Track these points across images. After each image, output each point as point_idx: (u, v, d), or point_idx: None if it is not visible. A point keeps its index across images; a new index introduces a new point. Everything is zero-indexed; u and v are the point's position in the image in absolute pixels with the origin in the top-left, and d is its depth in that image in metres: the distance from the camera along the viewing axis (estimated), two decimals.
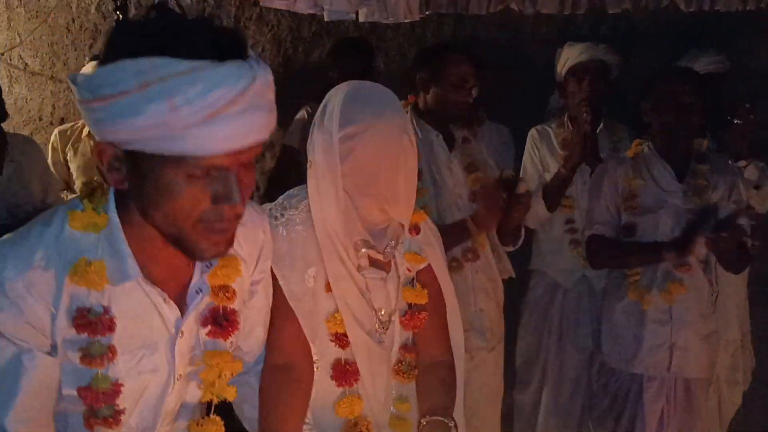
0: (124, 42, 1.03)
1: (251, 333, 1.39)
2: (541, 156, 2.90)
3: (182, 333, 1.21)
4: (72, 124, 3.45)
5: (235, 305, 1.27)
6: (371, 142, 1.37)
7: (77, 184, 3.31)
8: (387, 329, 1.52)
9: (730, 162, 2.48)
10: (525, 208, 2.24)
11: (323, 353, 1.49)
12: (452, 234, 2.29)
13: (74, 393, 1.15)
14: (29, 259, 1.10)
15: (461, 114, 2.47)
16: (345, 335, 1.47)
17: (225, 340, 1.26)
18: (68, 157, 3.36)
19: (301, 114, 3.24)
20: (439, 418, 1.50)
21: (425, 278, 1.58)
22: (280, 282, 1.42)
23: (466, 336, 2.40)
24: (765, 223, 2.89)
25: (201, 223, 1.08)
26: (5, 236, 1.16)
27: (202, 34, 1.02)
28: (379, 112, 1.38)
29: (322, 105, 1.44)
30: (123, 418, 1.16)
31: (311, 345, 1.46)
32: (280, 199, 1.55)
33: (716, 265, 2.38)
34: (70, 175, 3.37)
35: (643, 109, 2.42)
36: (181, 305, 1.21)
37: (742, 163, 2.72)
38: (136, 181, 1.08)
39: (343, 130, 1.36)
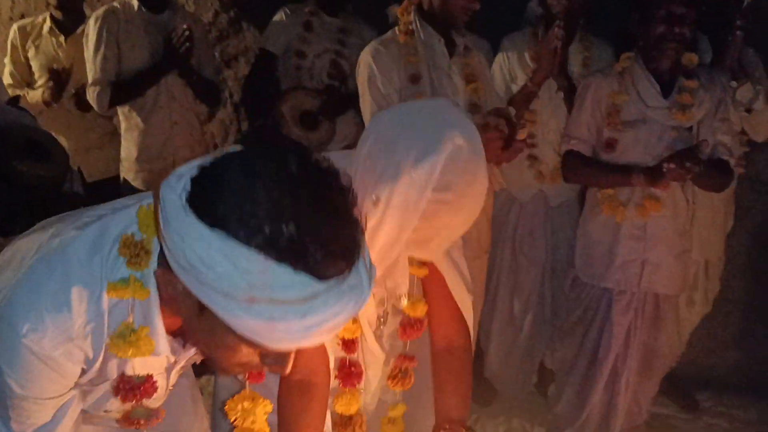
0: (248, 230, 0.83)
1: None
2: (509, 66, 2.84)
3: (177, 361, 1.20)
4: (32, 19, 3.28)
5: None
6: (460, 210, 1.28)
7: (38, 83, 3.17)
8: (386, 323, 1.52)
9: (722, 79, 2.43)
10: (518, 152, 2.23)
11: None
12: None
13: None
14: (69, 331, 1.02)
15: (464, 20, 2.39)
16: (352, 341, 1.47)
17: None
18: (29, 55, 3.21)
19: (279, 16, 3.10)
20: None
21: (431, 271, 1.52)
22: None
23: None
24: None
25: (239, 366, 1.02)
26: (37, 282, 1.03)
27: (328, 252, 0.85)
28: (474, 180, 1.27)
29: (411, 141, 1.24)
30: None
31: None
32: None
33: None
34: (31, 74, 3.22)
35: (633, 20, 2.35)
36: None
37: (735, 84, 2.66)
38: (190, 315, 0.95)
39: (439, 195, 1.24)
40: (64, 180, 1.88)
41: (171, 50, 2.82)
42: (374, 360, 1.57)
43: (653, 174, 2.20)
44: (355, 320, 1.48)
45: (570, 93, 2.62)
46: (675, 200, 2.36)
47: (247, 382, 1.35)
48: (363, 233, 0.90)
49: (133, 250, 1.02)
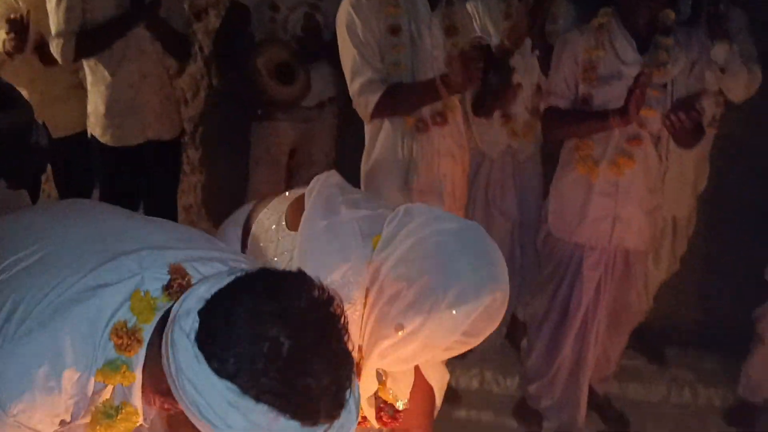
0: (260, 389, 0.87)
1: None
2: (482, 24, 2.80)
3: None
4: None
5: None
6: (467, 346, 1.30)
7: None
8: None
9: (700, 37, 2.43)
10: (514, 98, 2.24)
11: None
12: (420, 92, 2.32)
13: None
14: (57, 409, 1.03)
15: None
16: None
17: None
18: None
19: None
20: None
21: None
22: None
23: (424, 198, 2.46)
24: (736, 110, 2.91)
25: None
26: (29, 364, 1.01)
27: (332, 406, 0.90)
28: (494, 326, 1.29)
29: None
30: None
31: None
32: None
33: (669, 140, 2.39)
34: None
35: None
36: None
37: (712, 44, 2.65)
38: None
39: (463, 338, 1.26)
40: (30, 131, 1.82)
41: (138, 1, 2.72)
42: None
43: (629, 109, 2.20)
44: None
45: (546, 52, 2.60)
46: (647, 157, 2.38)
47: None
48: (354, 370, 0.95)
49: (126, 340, 1.02)
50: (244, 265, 1.13)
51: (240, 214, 1.71)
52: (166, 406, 1.03)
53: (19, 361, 1.00)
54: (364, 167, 2.59)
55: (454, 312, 1.22)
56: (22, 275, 1.13)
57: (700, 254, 3.30)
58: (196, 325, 0.89)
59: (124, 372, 1.02)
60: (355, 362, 0.95)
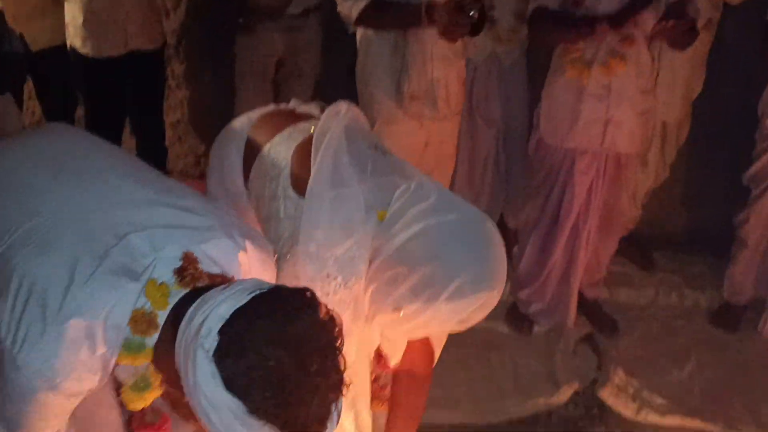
0: (270, 416, 0.97)
1: None
2: None
3: None
4: None
5: None
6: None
7: None
8: None
9: None
10: None
11: None
12: (404, 16, 2.30)
13: None
14: (83, 391, 1.15)
15: None
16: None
17: None
18: None
19: None
20: None
21: None
22: None
23: (416, 103, 2.43)
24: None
25: None
26: (63, 350, 1.09)
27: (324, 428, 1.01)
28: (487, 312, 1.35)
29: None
30: None
31: None
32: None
33: (661, 41, 2.34)
34: None
35: None
36: None
37: None
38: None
39: (458, 324, 1.34)
40: (2, 39, 1.76)
41: None
42: None
43: (619, 21, 2.17)
44: None
45: None
46: (639, 58, 2.33)
47: None
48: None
49: (144, 326, 1.11)
50: (248, 242, 1.25)
51: (237, 136, 1.68)
52: (167, 387, 1.15)
53: (63, 346, 1.09)
54: (357, 74, 2.55)
55: (451, 305, 1.27)
56: (28, 254, 1.16)
57: (690, 160, 3.30)
58: (215, 343, 0.98)
59: (146, 352, 1.12)
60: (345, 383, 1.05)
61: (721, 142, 3.25)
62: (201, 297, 1.06)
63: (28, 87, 3.19)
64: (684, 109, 2.95)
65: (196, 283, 1.13)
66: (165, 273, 1.13)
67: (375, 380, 1.62)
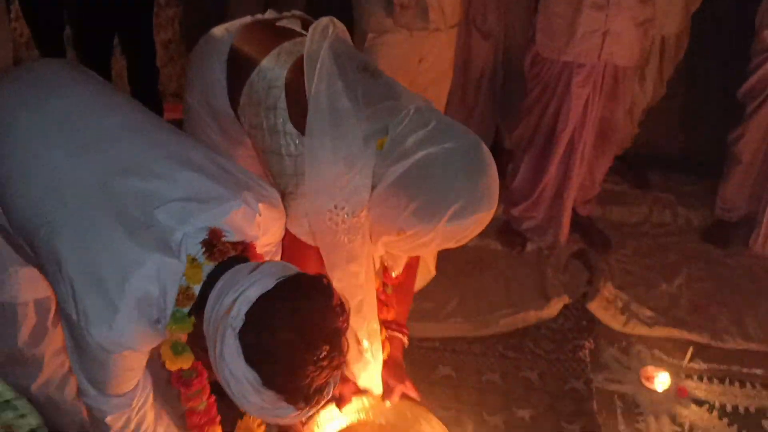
0: (291, 394, 1.16)
1: None
2: None
3: None
4: None
5: None
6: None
7: None
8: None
9: None
10: None
11: None
12: None
13: None
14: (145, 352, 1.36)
15: None
16: None
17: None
18: None
19: None
20: (397, 336, 1.84)
21: None
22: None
23: (406, 13, 2.40)
24: None
25: None
26: (129, 325, 1.26)
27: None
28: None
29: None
30: None
31: None
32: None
33: None
34: None
35: None
36: None
37: None
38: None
39: (455, 243, 1.49)
40: None
41: None
42: None
43: None
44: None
45: None
46: None
47: None
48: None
49: (185, 300, 1.25)
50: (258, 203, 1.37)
51: (219, 49, 1.67)
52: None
53: (127, 319, 1.25)
54: None
55: (450, 227, 1.41)
56: (69, 237, 1.28)
57: (688, 81, 3.26)
58: (241, 323, 1.14)
59: (191, 322, 1.26)
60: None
61: (718, 62, 3.19)
62: (229, 272, 1.22)
63: (15, 7, 3.12)
64: (683, 22, 2.89)
65: (223, 257, 1.26)
66: (194, 247, 1.26)
67: (382, 289, 1.77)
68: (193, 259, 1.25)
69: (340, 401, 1.77)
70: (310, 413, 1.23)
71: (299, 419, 1.34)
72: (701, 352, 2.44)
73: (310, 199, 1.50)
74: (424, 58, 2.52)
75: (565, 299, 2.61)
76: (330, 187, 1.47)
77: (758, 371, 2.37)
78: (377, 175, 1.45)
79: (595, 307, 2.58)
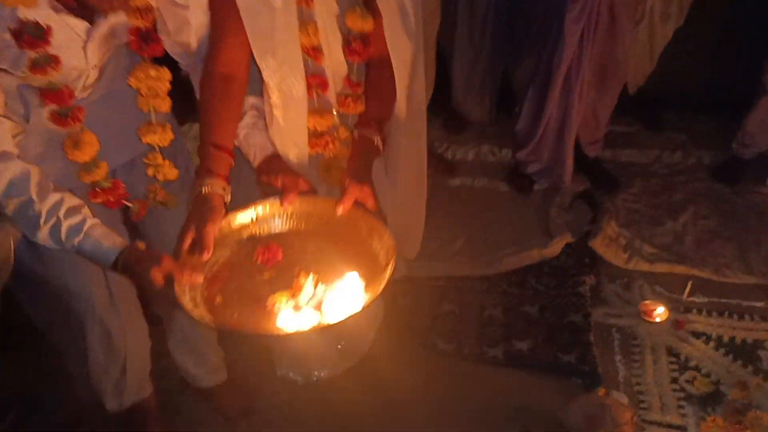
0: None
1: (183, 29, 1.50)
2: None
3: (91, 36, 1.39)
4: None
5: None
6: None
7: None
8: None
9: None
10: None
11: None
12: None
13: None
14: None
15: None
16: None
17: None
18: None
19: None
20: (366, 135, 1.57)
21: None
22: None
23: None
24: None
25: None
26: None
27: None
28: None
29: None
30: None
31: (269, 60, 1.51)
32: None
33: None
34: None
35: None
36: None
37: None
38: None
39: None
40: None
41: None
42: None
43: None
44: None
45: None
46: None
47: None
48: None
49: None
50: None
51: None
52: None
53: None
54: None
55: None
56: None
57: (710, 13, 3.18)
58: None
59: None
60: None
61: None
62: None
63: None
64: None
65: None
66: None
67: (347, 77, 1.63)
68: None
69: (283, 197, 1.50)
70: None
71: None
72: (702, 286, 2.46)
73: None
74: None
75: (568, 237, 2.65)
76: None
77: (758, 304, 2.38)
78: None
79: (597, 244, 2.61)
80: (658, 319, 2.33)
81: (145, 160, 1.59)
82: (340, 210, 1.46)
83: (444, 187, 2.99)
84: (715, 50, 3.30)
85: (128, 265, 1.35)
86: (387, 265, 1.35)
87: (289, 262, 1.44)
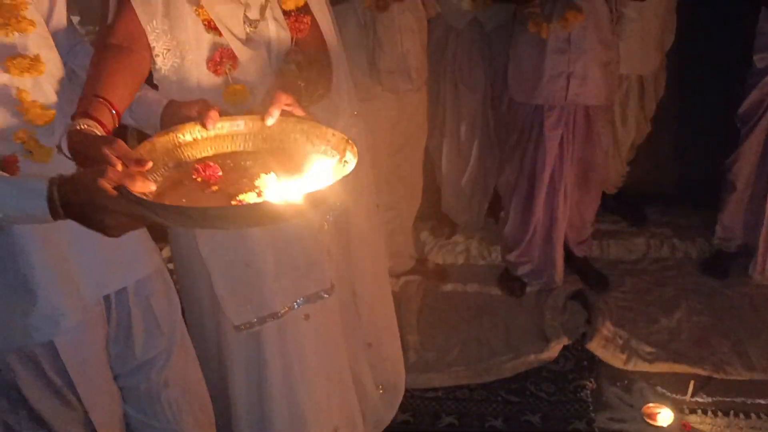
0: None
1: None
2: None
3: None
4: None
5: None
6: None
7: None
8: (257, 27, 1.50)
9: None
10: None
11: (197, 42, 1.48)
12: None
13: None
14: None
15: None
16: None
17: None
18: None
19: None
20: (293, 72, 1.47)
21: None
22: None
23: (392, 77, 2.49)
24: None
25: None
26: None
27: None
28: None
29: None
30: None
31: (172, 32, 1.45)
32: None
33: None
34: None
35: None
36: None
37: None
38: None
39: None
40: None
41: None
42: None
43: None
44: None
45: None
46: (596, 9, 2.38)
47: None
48: None
49: None
50: None
51: None
52: None
53: None
54: None
55: None
56: None
57: (676, 111, 3.31)
58: None
59: None
60: None
61: (704, 89, 3.24)
62: None
63: None
64: (658, 60, 2.97)
65: None
66: None
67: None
68: None
69: (204, 118, 1.27)
70: None
71: None
72: (704, 385, 2.42)
73: None
74: (401, 119, 2.64)
75: (565, 340, 2.62)
76: None
77: (763, 401, 2.34)
78: None
79: (594, 346, 2.58)
80: (664, 424, 2.27)
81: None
82: (270, 119, 1.27)
83: (436, 293, 2.98)
84: (685, 149, 3.42)
85: (68, 187, 1.06)
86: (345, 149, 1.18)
87: (233, 178, 1.21)
